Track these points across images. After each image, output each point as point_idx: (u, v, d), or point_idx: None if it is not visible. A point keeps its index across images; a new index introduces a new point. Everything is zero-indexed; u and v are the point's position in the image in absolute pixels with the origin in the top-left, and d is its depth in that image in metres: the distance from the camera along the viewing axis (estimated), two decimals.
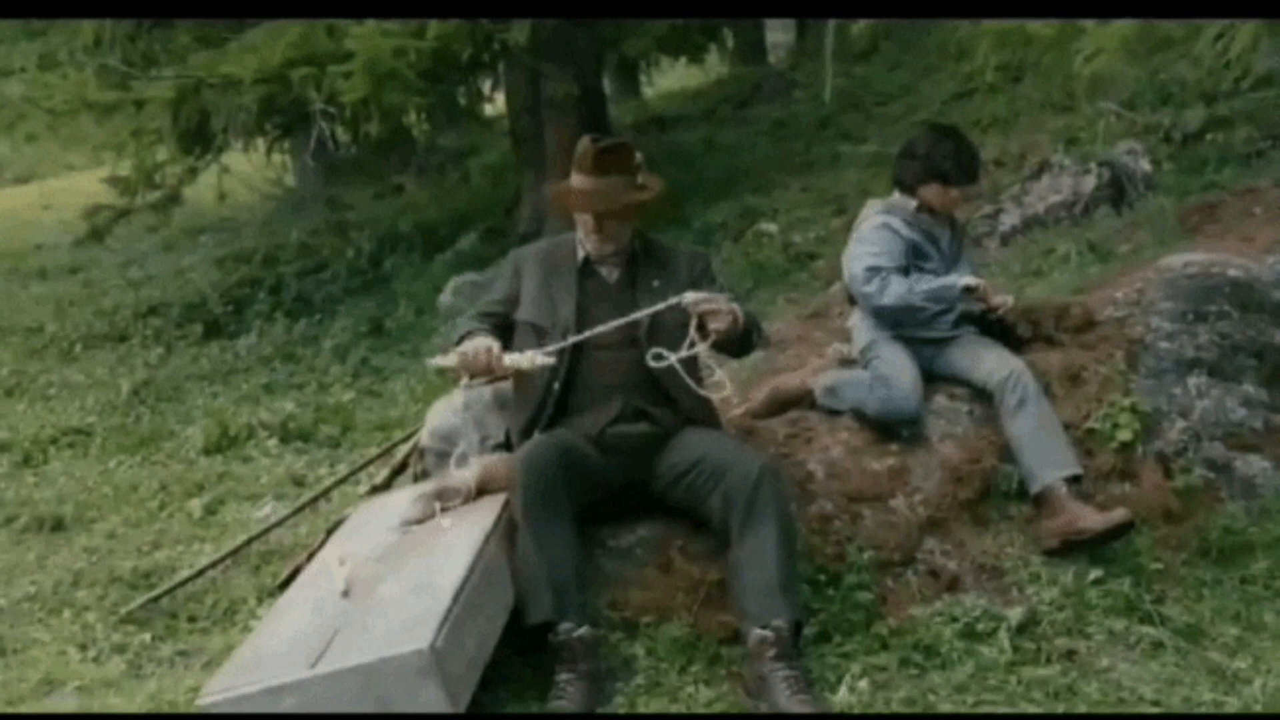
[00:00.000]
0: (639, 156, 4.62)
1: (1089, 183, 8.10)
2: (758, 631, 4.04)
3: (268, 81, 8.57)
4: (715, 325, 4.34)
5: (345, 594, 4.01)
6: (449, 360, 4.30)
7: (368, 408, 8.08)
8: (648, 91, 19.00)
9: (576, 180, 4.60)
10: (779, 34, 17.95)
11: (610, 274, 4.68)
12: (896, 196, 5.31)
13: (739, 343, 4.56)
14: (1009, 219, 8.14)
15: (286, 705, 3.55)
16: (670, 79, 19.44)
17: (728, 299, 4.44)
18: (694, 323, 4.36)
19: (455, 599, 3.78)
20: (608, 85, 14.39)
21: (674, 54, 16.80)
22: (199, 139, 10.08)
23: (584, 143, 4.59)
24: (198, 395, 8.90)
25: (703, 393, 4.53)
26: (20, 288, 13.79)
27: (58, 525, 6.23)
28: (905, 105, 12.73)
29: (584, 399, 4.52)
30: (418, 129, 14.50)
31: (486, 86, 13.39)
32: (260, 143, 11.96)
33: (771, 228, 9.91)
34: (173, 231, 14.60)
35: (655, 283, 4.62)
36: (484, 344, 4.34)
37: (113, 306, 11.90)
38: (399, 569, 4.08)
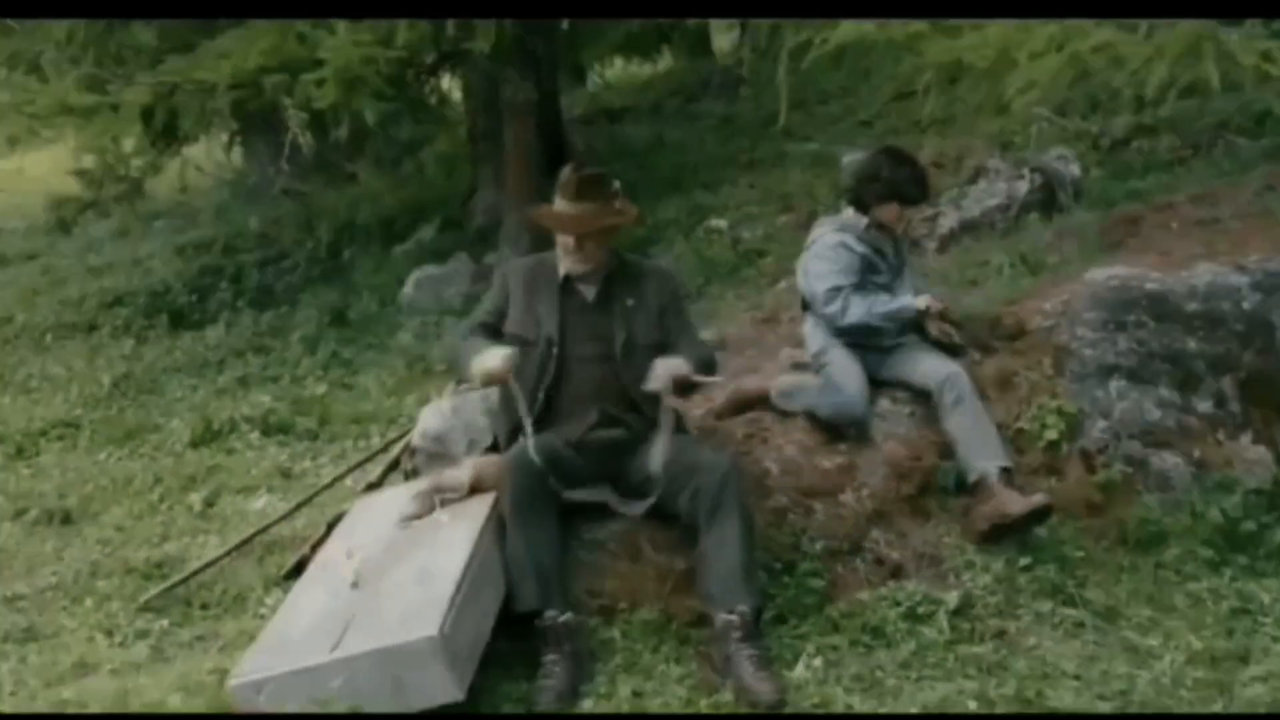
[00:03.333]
0: (615, 184, 5.00)
1: (1022, 187, 8.37)
2: (724, 616, 4.40)
3: (241, 87, 8.79)
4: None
5: (355, 585, 4.42)
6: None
7: (342, 401, 8.28)
8: (595, 81, 19.03)
9: (559, 205, 4.95)
10: (723, 28, 18.02)
11: (588, 291, 5.02)
12: (849, 213, 5.61)
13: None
14: (948, 222, 8.38)
15: (312, 685, 3.95)
16: (616, 68, 19.44)
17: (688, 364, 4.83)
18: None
19: (458, 589, 4.17)
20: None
21: (629, 57, 16.95)
22: (166, 133, 10.24)
23: (566, 172, 4.97)
24: (176, 388, 9.06)
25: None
26: None
27: (66, 518, 6.48)
28: (845, 105, 12.96)
29: (565, 408, 4.89)
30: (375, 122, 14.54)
31: (446, 83, 13.47)
32: (223, 136, 12.10)
33: (721, 224, 10.18)
34: (127, 217, 14.50)
35: (629, 301, 5.00)
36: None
37: (78, 296, 11.89)
38: (404, 560, 4.46)
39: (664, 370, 4.73)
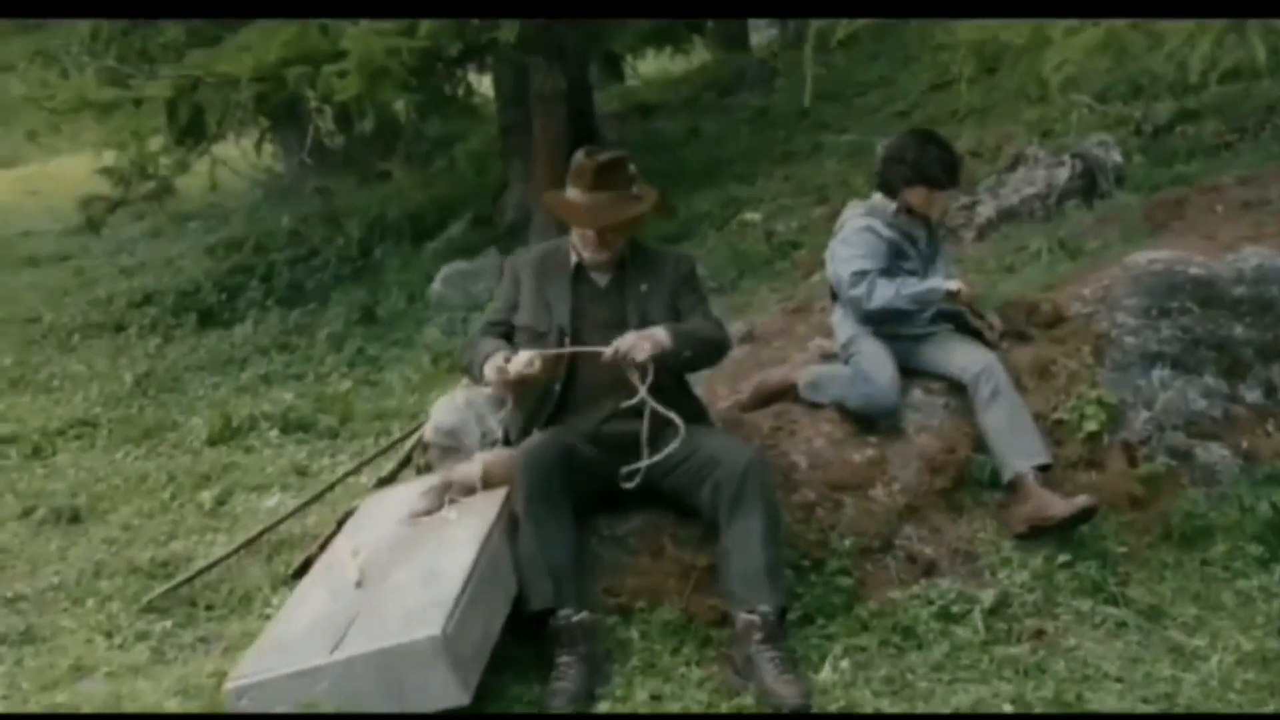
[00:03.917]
0: (633, 168, 4.80)
1: (1062, 175, 8.23)
2: (745, 615, 4.25)
3: (264, 80, 8.72)
4: (638, 358, 4.56)
5: (359, 584, 4.27)
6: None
7: (365, 398, 8.20)
8: (630, 76, 18.96)
9: (575, 195, 4.75)
10: (761, 22, 17.95)
11: (602, 279, 4.86)
12: (878, 198, 5.43)
13: (689, 360, 4.77)
14: (985, 210, 8.26)
15: (311, 688, 3.81)
16: (653, 64, 19.41)
17: (667, 330, 4.65)
18: (632, 372, 4.58)
19: (463, 588, 4.03)
20: (592, 72, 14.45)
21: (659, 47, 16.88)
22: (192, 130, 10.22)
23: (580, 158, 4.74)
24: (198, 386, 9.00)
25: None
26: (11, 276, 13.85)
27: (74, 517, 6.37)
28: (883, 96, 12.84)
29: (580, 399, 4.74)
30: (405, 118, 14.56)
31: (474, 77, 13.43)
32: (253, 132, 12.07)
33: (755, 217, 10.05)
34: (160, 217, 14.61)
35: (643, 287, 4.82)
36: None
37: (107, 295, 11.96)
38: (409, 559, 4.32)
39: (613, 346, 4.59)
